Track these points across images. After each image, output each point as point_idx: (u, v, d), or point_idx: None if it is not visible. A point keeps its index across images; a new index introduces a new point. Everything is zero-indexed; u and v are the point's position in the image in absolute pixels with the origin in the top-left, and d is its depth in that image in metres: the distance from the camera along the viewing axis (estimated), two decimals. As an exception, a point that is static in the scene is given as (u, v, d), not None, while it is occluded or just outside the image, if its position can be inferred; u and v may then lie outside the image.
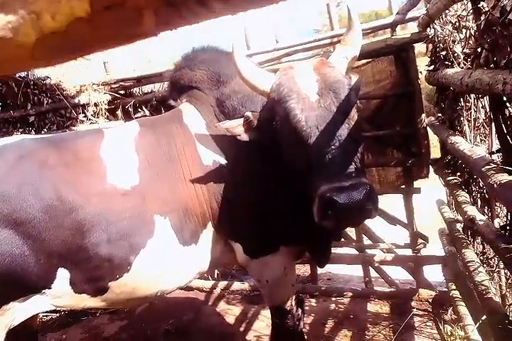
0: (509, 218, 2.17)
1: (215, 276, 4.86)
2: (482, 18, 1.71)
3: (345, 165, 1.74)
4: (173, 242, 2.35)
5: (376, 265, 4.11)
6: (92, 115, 4.28)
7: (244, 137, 2.16)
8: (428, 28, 3.22)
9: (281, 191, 2.27)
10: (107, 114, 4.32)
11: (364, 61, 3.75)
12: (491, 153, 2.28)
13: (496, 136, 2.31)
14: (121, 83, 4.45)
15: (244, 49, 4.13)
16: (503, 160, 2.02)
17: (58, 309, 4.23)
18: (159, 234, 2.29)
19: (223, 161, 2.40)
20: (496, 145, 2.35)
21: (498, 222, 2.47)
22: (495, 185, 1.73)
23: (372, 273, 4.33)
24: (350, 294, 3.98)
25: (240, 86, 2.38)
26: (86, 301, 2.31)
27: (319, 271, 4.72)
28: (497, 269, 2.66)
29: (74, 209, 2.13)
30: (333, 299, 3.99)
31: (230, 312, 4.06)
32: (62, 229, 2.10)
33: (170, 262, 2.37)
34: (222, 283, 4.63)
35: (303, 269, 4.99)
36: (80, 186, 2.20)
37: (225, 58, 2.54)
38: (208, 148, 2.42)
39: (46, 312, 4.18)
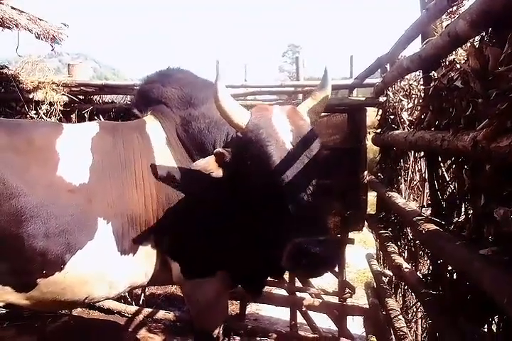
0: (431, 268, 2.41)
1: (140, 302, 4.59)
2: (432, 85, 2.03)
3: (319, 220, 1.93)
4: (112, 249, 2.30)
5: (304, 309, 4.19)
6: (44, 113, 4.06)
7: (218, 174, 2.16)
8: (381, 95, 3.62)
9: (238, 220, 2.31)
10: (60, 115, 4.11)
11: (322, 114, 4.09)
12: (422, 206, 2.55)
13: (427, 194, 2.61)
14: (82, 88, 4.28)
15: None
16: (432, 213, 2.29)
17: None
18: (99, 238, 2.25)
19: (178, 176, 2.42)
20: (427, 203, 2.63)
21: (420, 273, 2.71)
22: (423, 232, 1.98)
23: (299, 318, 4.37)
24: (274, 335, 3.99)
25: (210, 111, 2.44)
26: (8, 295, 2.18)
27: (247, 310, 4.70)
28: (415, 319, 2.86)
29: (16, 195, 2.07)
30: (258, 339, 3.98)
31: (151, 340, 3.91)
32: None
33: (104, 269, 2.31)
34: (146, 310, 4.44)
35: (231, 307, 4.94)
36: (26, 173, 2.15)
37: (199, 82, 2.66)
38: (166, 161, 2.44)
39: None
